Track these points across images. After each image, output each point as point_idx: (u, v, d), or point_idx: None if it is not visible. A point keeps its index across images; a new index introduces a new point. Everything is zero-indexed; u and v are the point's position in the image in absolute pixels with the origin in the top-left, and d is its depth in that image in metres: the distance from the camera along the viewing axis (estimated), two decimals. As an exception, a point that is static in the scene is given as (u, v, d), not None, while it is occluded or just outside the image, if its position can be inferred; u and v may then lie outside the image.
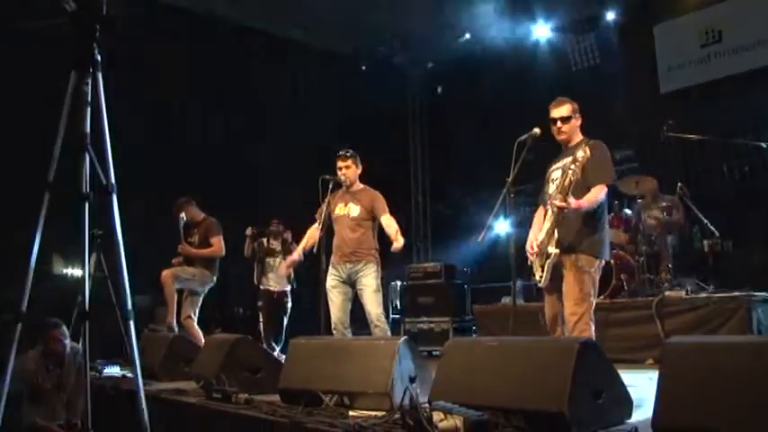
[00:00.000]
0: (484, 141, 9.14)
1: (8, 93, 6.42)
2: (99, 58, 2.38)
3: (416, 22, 9.11)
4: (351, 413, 3.10)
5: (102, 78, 2.39)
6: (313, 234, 5.03)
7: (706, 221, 6.20)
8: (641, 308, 5.52)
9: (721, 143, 6.87)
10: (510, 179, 3.83)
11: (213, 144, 8.89)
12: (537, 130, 3.81)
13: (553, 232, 3.59)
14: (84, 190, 2.31)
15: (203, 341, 5.51)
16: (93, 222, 2.34)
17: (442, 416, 2.55)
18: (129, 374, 2.70)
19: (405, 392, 2.90)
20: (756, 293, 5.14)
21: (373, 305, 4.76)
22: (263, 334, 7.14)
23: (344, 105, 9.23)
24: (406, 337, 3.48)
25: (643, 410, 2.72)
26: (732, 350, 2.24)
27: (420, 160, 11.43)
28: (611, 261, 5.69)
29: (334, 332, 4.81)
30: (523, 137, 3.84)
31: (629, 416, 2.70)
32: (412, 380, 3.18)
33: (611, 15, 8.63)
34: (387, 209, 4.92)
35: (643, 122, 7.71)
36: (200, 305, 6.08)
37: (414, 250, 10.68)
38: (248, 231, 7.25)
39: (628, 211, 7.03)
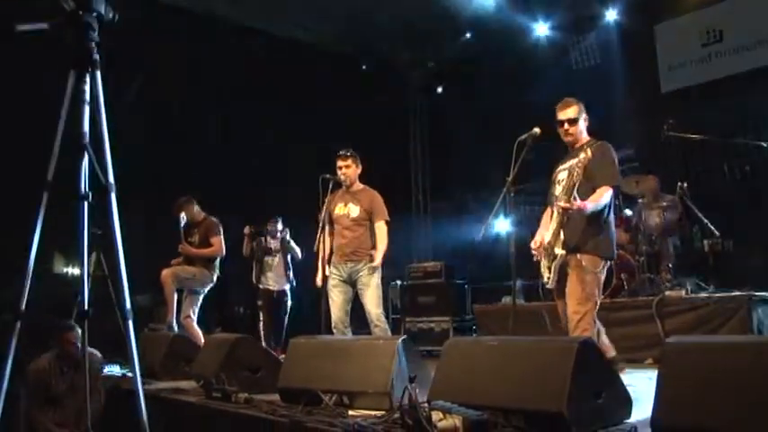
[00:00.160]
0: (484, 141, 9.11)
1: (7, 92, 6.41)
2: (98, 57, 2.37)
3: (417, 22, 9.10)
4: (350, 412, 3.11)
5: (102, 78, 2.39)
6: (325, 243, 4.99)
7: (706, 221, 6.18)
8: (641, 307, 5.51)
9: (722, 143, 6.85)
10: (510, 179, 3.83)
11: (213, 144, 8.88)
12: (537, 130, 3.81)
13: (559, 233, 3.59)
14: (82, 190, 2.31)
15: (203, 341, 5.52)
16: (92, 222, 2.33)
17: (441, 415, 2.55)
18: (129, 374, 2.71)
19: (404, 392, 2.90)
20: (757, 293, 5.12)
21: (373, 305, 4.77)
22: (262, 333, 7.15)
23: (344, 105, 9.22)
24: (405, 336, 3.48)
25: (642, 410, 2.71)
26: (732, 350, 2.24)
27: (420, 160, 11.40)
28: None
29: (334, 331, 4.82)
30: (523, 136, 3.85)
31: (629, 415, 2.71)
32: (411, 379, 3.18)
33: (611, 15, 8.60)
34: (385, 213, 4.92)
35: (643, 122, 7.69)
36: (200, 305, 6.09)
37: (414, 250, 10.66)
38: (246, 230, 7.27)
39: (628, 211, 7.01)
